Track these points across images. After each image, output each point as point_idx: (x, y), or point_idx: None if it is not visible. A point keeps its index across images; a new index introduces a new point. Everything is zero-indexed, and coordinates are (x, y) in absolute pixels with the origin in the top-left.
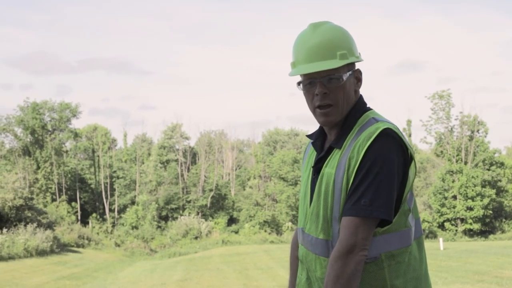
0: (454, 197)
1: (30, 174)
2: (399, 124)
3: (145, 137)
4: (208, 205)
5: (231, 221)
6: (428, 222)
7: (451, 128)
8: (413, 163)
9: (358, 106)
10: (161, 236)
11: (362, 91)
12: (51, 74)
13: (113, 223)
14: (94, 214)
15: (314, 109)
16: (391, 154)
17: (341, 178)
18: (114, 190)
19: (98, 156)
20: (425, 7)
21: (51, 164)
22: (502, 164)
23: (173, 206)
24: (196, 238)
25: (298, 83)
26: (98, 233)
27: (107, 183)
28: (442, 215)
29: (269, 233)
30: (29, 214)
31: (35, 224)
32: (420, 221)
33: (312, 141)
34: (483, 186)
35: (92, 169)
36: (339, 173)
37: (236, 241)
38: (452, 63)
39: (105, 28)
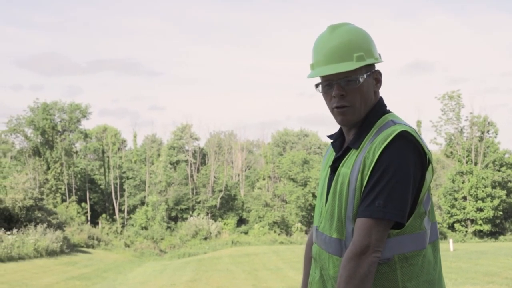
0: (464, 198)
1: (40, 175)
2: None
3: (154, 138)
4: (218, 205)
5: (241, 221)
6: (438, 223)
7: (461, 129)
8: (430, 166)
9: (377, 108)
10: (170, 236)
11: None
12: (61, 75)
13: (123, 223)
14: (104, 215)
15: (332, 109)
16: (407, 157)
17: (355, 178)
18: (124, 190)
19: (108, 156)
20: (435, 7)
21: (61, 164)
22: None
23: (183, 207)
24: (205, 238)
25: (317, 85)
26: (107, 234)
27: (117, 183)
28: (452, 216)
29: (279, 234)
30: (39, 215)
31: (45, 225)
32: (437, 225)
33: (332, 141)
34: (493, 187)
35: (102, 170)
36: (354, 173)
37: (245, 242)
38: (461, 64)
39: (114, 29)
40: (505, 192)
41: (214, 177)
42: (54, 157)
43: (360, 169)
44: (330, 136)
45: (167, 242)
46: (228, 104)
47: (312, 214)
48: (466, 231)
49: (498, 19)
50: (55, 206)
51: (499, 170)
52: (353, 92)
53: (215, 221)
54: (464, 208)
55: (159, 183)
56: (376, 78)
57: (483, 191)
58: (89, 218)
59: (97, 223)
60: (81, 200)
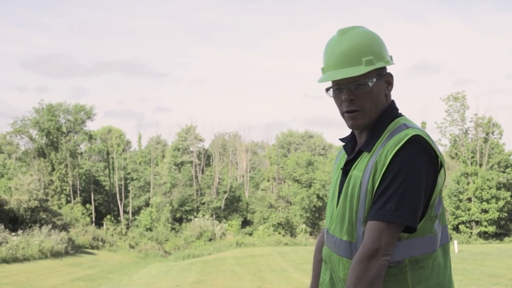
0: (469, 200)
1: (45, 176)
2: None
3: (159, 139)
4: (222, 207)
5: (245, 223)
6: None
7: (466, 130)
8: (442, 170)
9: (389, 111)
10: (175, 238)
11: None
12: (66, 77)
13: (128, 225)
14: (108, 216)
15: (342, 113)
16: (419, 161)
17: (367, 181)
18: (129, 192)
19: (113, 158)
20: (441, 9)
21: (66, 166)
22: None
23: (187, 208)
24: (210, 240)
25: (327, 89)
26: (112, 235)
27: (121, 185)
28: (457, 217)
29: (283, 235)
30: (44, 216)
31: (50, 226)
32: (448, 229)
33: (344, 144)
34: (498, 189)
35: (106, 171)
36: (365, 176)
37: (250, 243)
38: (467, 65)
39: (120, 30)
40: (510, 193)
41: (219, 178)
42: (59, 158)
43: (371, 172)
44: (342, 139)
45: (171, 243)
46: (233, 105)
47: (317, 215)
48: (471, 233)
49: (504, 21)
50: (59, 207)
51: (504, 172)
52: (363, 96)
53: (220, 222)
54: (469, 210)
55: (163, 184)
56: (387, 81)
57: (488, 193)
58: (93, 219)
59: (102, 224)
60: (85, 201)
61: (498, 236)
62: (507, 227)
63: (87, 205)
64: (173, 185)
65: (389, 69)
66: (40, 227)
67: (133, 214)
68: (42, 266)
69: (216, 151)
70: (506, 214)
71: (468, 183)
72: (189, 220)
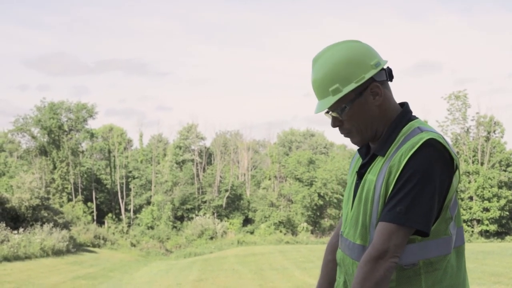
0: (471, 198)
1: (47, 174)
2: None
3: (161, 138)
4: (224, 205)
5: (246, 221)
6: None
7: (467, 129)
8: (457, 171)
9: (401, 116)
10: (176, 236)
11: None
12: (68, 75)
13: (129, 223)
14: (110, 214)
15: None
16: (434, 165)
17: (380, 185)
18: (130, 190)
19: (114, 156)
20: (442, 8)
21: (68, 164)
22: None
23: (189, 207)
24: (211, 238)
25: (326, 113)
26: (113, 233)
27: (123, 183)
28: None
29: (285, 234)
30: (46, 214)
31: (51, 224)
32: (463, 230)
33: (358, 148)
34: (500, 187)
35: (108, 169)
36: (379, 180)
37: (251, 242)
38: (468, 64)
39: (122, 29)
40: (511, 192)
41: (220, 176)
42: (61, 156)
43: (385, 176)
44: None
45: (173, 241)
46: (234, 104)
47: (318, 214)
48: (473, 231)
49: (505, 20)
50: (61, 206)
51: (505, 170)
52: (348, 119)
53: (221, 220)
54: (470, 208)
55: (165, 182)
56: (373, 92)
57: (489, 191)
58: (95, 217)
59: (103, 223)
60: (87, 200)
61: (500, 234)
62: (509, 225)
63: (89, 204)
64: (175, 183)
65: (391, 67)
66: (41, 225)
67: (135, 212)
68: (44, 264)
69: (218, 149)
70: (507, 213)
71: (469, 182)
72: (190, 219)
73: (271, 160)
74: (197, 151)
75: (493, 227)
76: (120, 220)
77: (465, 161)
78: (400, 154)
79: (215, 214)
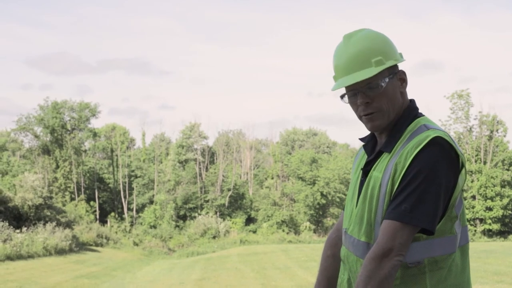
0: (473, 197)
1: (49, 173)
2: None
3: (163, 137)
4: (226, 204)
5: (249, 220)
6: None
7: (470, 128)
8: (463, 170)
9: (408, 111)
10: (179, 235)
11: None
12: (71, 75)
13: (132, 222)
14: (112, 213)
15: (360, 117)
16: (440, 164)
17: (386, 182)
18: (133, 189)
19: (117, 155)
20: (444, 7)
21: (70, 163)
22: None
23: (191, 206)
24: (214, 237)
25: (342, 96)
26: (116, 232)
27: (125, 182)
28: None
29: (287, 233)
30: (48, 213)
31: (54, 223)
32: (467, 229)
33: (364, 144)
34: (503, 186)
35: (110, 169)
36: (385, 177)
37: (254, 241)
38: (471, 63)
39: (124, 28)
40: None
41: (223, 175)
42: (63, 155)
43: (391, 174)
44: (362, 139)
45: (175, 240)
46: (237, 103)
47: (321, 213)
48: (475, 230)
49: (507, 19)
50: (64, 205)
51: (508, 169)
52: (378, 97)
53: (224, 220)
54: (473, 207)
55: (167, 181)
56: (401, 78)
57: (492, 190)
58: (97, 216)
59: (106, 222)
60: (90, 199)
61: (502, 234)
62: (511, 225)
63: (91, 203)
64: (177, 182)
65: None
66: (44, 224)
67: (137, 211)
68: (46, 263)
69: (220, 148)
70: (510, 212)
71: (472, 181)
72: (193, 218)
73: (274, 159)
74: (199, 150)
75: (496, 226)
76: (122, 219)
77: (467, 160)
78: (406, 151)
79: (218, 213)
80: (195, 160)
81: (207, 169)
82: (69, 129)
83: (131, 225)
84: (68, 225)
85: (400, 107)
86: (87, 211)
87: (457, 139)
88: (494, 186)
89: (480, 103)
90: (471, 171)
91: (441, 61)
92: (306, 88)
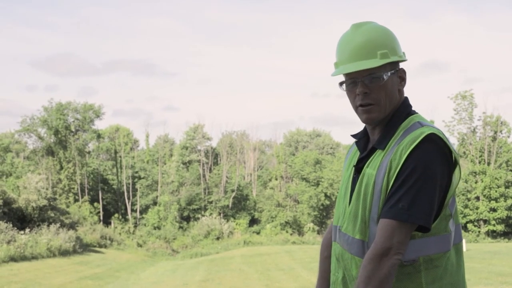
0: (477, 198)
1: (53, 175)
2: None
3: (167, 138)
4: (230, 205)
5: (253, 221)
6: None
7: (474, 129)
8: (457, 168)
9: (402, 108)
10: (182, 236)
11: None
12: (76, 76)
13: (135, 223)
14: (116, 215)
15: (356, 108)
16: (434, 161)
17: (381, 180)
18: (136, 190)
19: (120, 156)
20: (449, 7)
21: (74, 164)
22: None
23: (195, 207)
24: (217, 238)
25: (341, 83)
26: (120, 234)
27: (129, 183)
28: (465, 216)
29: (291, 234)
30: (52, 214)
31: (58, 224)
32: (461, 227)
33: (356, 140)
34: (507, 187)
35: (114, 170)
36: (379, 175)
37: (257, 242)
38: (477, 64)
39: (129, 30)
40: None
41: (226, 177)
42: (67, 157)
43: (386, 171)
44: (354, 135)
45: (179, 242)
46: (241, 104)
47: (324, 214)
48: (479, 231)
49: None
50: (67, 206)
51: None
52: (378, 89)
53: (227, 221)
54: (477, 208)
55: (171, 183)
56: (401, 76)
57: (496, 191)
58: (101, 218)
59: (110, 223)
60: (93, 200)
61: (507, 235)
62: None
63: (95, 204)
64: (181, 183)
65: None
66: (48, 225)
67: (141, 212)
68: (50, 265)
69: (224, 149)
70: None
71: (476, 182)
72: (196, 219)
73: (278, 160)
74: (203, 152)
75: (500, 227)
76: (126, 220)
77: (471, 161)
78: (400, 148)
79: (221, 214)
80: (198, 161)
81: (210, 170)
82: (73, 130)
83: (135, 226)
84: (72, 226)
85: (397, 104)
86: (90, 212)
87: (461, 140)
88: (498, 187)
89: (484, 104)
90: (475, 172)
91: (446, 62)
92: (311, 89)
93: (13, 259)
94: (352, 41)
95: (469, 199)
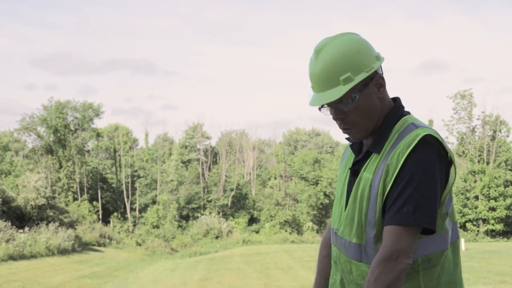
0: (476, 198)
1: (52, 173)
2: None
3: (166, 137)
4: (229, 204)
5: (252, 220)
6: None
7: (473, 128)
8: (452, 167)
9: (393, 111)
10: (182, 235)
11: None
12: (76, 75)
13: (134, 222)
14: (115, 213)
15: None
16: (432, 162)
17: (377, 184)
18: (135, 189)
19: (120, 155)
20: (449, 7)
21: (73, 163)
22: None
23: (194, 206)
24: (216, 237)
25: (319, 109)
26: (119, 232)
27: (128, 182)
28: (464, 215)
29: (290, 233)
30: (51, 213)
31: (57, 223)
32: (457, 225)
33: (350, 144)
34: (506, 187)
35: (113, 169)
36: (376, 179)
37: (256, 241)
38: (476, 64)
39: (129, 29)
40: None
41: (226, 176)
42: (67, 155)
43: (382, 175)
44: (348, 138)
45: (178, 240)
46: (240, 103)
47: (323, 213)
48: (478, 231)
49: None
50: (67, 205)
51: (511, 170)
52: (352, 112)
53: (226, 220)
54: (476, 208)
55: (170, 182)
56: (378, 84)
57: (495, 191)
58: (100, 216)
59: (109, 222)
60: (92, 199)
61: (506, 234)
62: None
63: (94, 203)
64: (180, 182)
65: (398, 66)
66: (47, 224)
67: (140, 211)
68: (49, 263)
69: (223, 148)
70: None
71: (475, 181)
72: (195, 218)
73: (277, 160)
74: (202, 151)
75: (499, 227)
76: (125, 219)
77: (470, 160)
78: (397, 152)
79: (221, 213)
80: (198, 160)
81: (210, 169)
82: (72, 129)
83: (134, 225)
84: (71, 225)
85: (380, 114)
86: (90, 211)
87: (460, 139)
88: (498, 186)
89: (483, 103)
90: (474, 172)
91: (446, 61)
92: (309, 88)
93: (12, 258)
94: (315, 69)
95: (468, 199)
